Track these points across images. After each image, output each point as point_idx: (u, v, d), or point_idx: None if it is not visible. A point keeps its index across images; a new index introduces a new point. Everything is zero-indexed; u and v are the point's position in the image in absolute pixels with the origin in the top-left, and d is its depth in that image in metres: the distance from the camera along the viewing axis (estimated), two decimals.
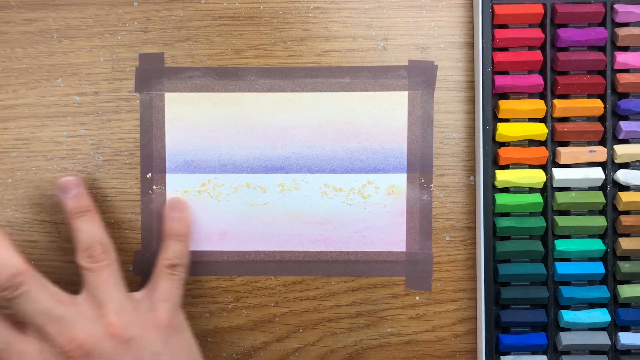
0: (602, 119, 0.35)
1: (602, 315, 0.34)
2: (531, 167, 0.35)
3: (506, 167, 0.35)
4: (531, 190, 0.35)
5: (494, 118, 0.35)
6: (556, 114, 0.35)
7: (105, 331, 0.30)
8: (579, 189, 0.35)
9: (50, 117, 0.36)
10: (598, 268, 0.34)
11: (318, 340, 0.37)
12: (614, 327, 0.35)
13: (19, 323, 0.30)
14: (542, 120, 0.35)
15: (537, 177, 0.34)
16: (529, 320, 0.34)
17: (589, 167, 0.35)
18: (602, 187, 0.35)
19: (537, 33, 0.34)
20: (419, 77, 0.36)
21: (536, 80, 0.34)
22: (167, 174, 0.36)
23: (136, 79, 0.36)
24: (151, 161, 0.36)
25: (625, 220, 0.34)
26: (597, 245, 0.34)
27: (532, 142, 0.35)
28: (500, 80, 0.34)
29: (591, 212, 0.35)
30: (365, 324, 0.36)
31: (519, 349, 0.34)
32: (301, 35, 0.36)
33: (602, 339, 0.34)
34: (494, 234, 0.35)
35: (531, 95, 0.35)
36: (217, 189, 0.36)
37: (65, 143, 0.36)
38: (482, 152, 0.34)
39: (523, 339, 0.34)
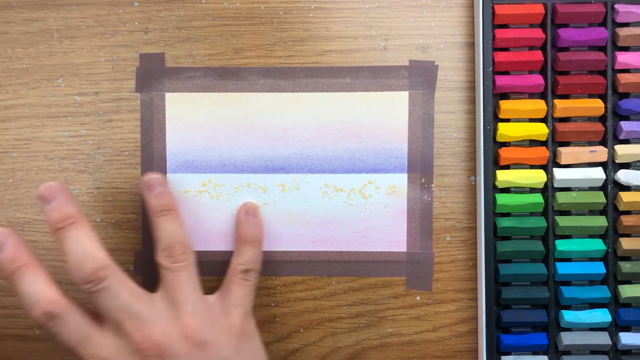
0: (602, 119, 0.35)
1: (602, 316, 0.34)
2: (532, 167, 0.35)
3: (507, 167, 0.35)
4: (532, 190, 0.35)
5: (494, 118, 0.35)
6: (557, 114, 0.35)
7: (180, 332, 0.30)
8: (580, 189, 0.35)
9: (50, 117, 0.36)
10: (599, 268, 0.34)
11: (319, 340, 0.37)
12: (615, 327, 0.35)
13: (97, 316, 0.30)
14: (543, 120, 0.35)
15: (537, 177, 0.34)
16: (530, 320, 0.34)
17: (589, 167, 0.35)
18: (603, 187, 0.35)
19: (537, 33, 0.34)
20: (420, 77, 0.36)
21: (537, 80, 0.34)
22: (167, 174, 0.36)
23: (137, 79, 0.36)
24: (152, 161, 0.36)
25: (626, 220, 0.34)
26: (598, 245, 0.34)
27: (533, 142, 0.35)
28: (501, 80, 0.34)
29: (592, 212, 0.35)
30: (366, 324, 0.36)
31: (519, 349, 0.34)
32: (302, 35, 0.36)
33: (603, 339, 0.34)
34: (494, 234, 0.35)
35: (532, 96, 0.35)
36: (217, 189, 0.36)
37: (66, 143, 0.36)
38: (482, 152, 0.34)
39: (524, 339, 0.34)
